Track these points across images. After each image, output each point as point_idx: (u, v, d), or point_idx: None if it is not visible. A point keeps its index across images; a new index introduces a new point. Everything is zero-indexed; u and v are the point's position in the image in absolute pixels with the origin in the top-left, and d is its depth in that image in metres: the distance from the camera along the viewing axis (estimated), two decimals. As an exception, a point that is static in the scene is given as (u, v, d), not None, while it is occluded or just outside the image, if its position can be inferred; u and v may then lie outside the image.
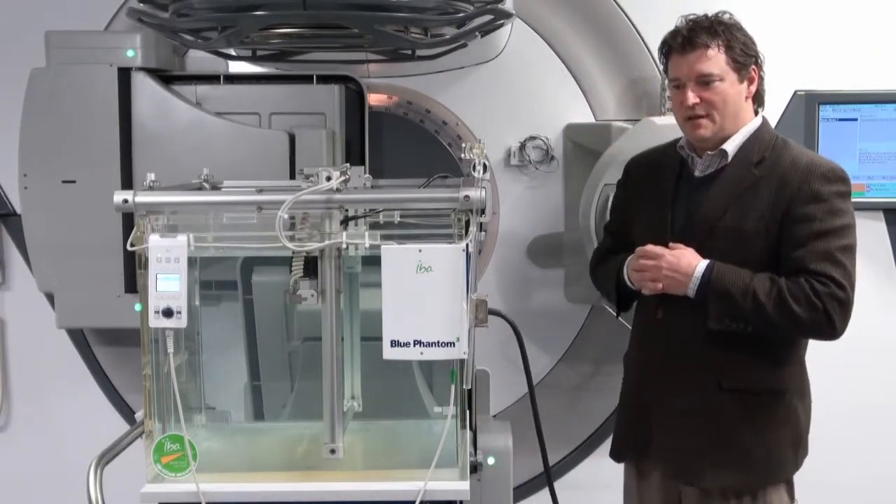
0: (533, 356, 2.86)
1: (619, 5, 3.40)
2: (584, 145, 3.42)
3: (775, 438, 2.55)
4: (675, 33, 2.54)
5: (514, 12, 2.67)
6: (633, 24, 3.37)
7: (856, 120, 3.42)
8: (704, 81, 2.49)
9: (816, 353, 3.47)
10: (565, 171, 3.48)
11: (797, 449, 2.61)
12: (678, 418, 2.57)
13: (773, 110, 3.41)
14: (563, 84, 3.46)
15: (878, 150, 3.43)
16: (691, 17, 2.53)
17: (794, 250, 2.44)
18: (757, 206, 2.47)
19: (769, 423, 2.54)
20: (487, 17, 2.51)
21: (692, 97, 2.49)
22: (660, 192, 2.62)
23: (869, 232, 3.47)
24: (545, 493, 3.04)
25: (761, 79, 2.57)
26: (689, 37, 2.49)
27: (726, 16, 2.53)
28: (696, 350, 2.52)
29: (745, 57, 2.50)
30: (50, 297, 3.31)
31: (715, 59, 2.48)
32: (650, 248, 2.51)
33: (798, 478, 2.64)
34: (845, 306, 2.43)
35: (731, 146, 2.53)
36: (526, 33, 3.43)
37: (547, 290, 3.50)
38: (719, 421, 2.53)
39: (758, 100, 2.59)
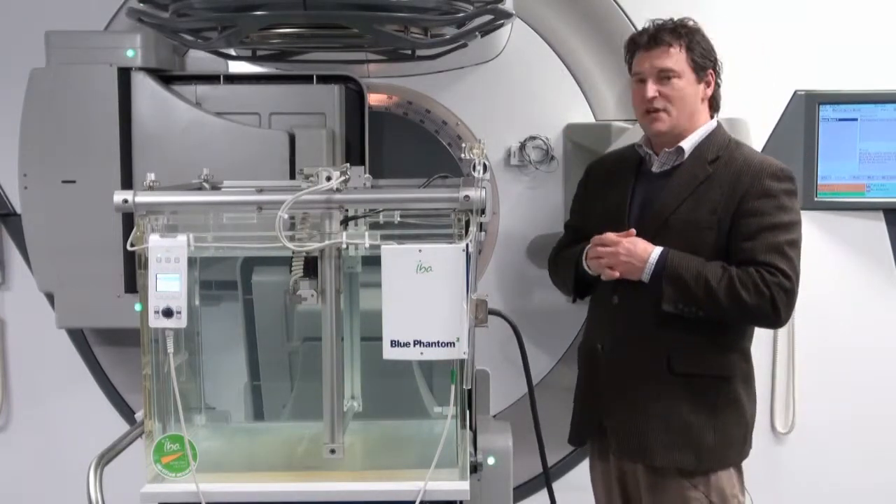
0: (533, 356, 2.86)
1: (619, 5, 3.40)
2: (584, 145, 3.42)
3: (722, 423, 2.66)
4: (641, 32, 2.73)
5: (514, 12, 2.67)
6: (633, 25, 3.36)
7: (856, 120, 3.42)
8: (665, 76, 2.66)
9: (817, 353, 3.48)
10: (565, 171, 3.47)
11: (744, 435, 2.73)
12: (630, 400, 2.69)
13: (773, 110, 3.41)
14: (563, 84, 3.45)
15: (878, 150, 3.42)
16: (658, 20, 2.71)
17: (744, 241, 2.58)
18: (710, 200, 2.62)
19: (716, 407, 2.66)
20: (487, 17, 2.51)
21: (651, 90, 2.66)
22: (618, 188, 2.77)
23: (869, 232, 3.47)
24: (545, 493, 3.03)
25: (717, 85, 2.73)
26: (655, 35, 2.68)
27: (690, 22, 2.70)
28: (648, 334, 2.66)
29: (703, 60, 2.68)
30: (50, 297, 3.31)
31: (676, 57, 2.65)
32: (607, 236, 2.65)
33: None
34: (790, 296, 2.57)
35: (687, 144, 2.69)
36: (526, 33, 3.42)
37: (547, 290, 3.48)
38: (669, 403, 2.65)
39: (714, 105, 2.75)
